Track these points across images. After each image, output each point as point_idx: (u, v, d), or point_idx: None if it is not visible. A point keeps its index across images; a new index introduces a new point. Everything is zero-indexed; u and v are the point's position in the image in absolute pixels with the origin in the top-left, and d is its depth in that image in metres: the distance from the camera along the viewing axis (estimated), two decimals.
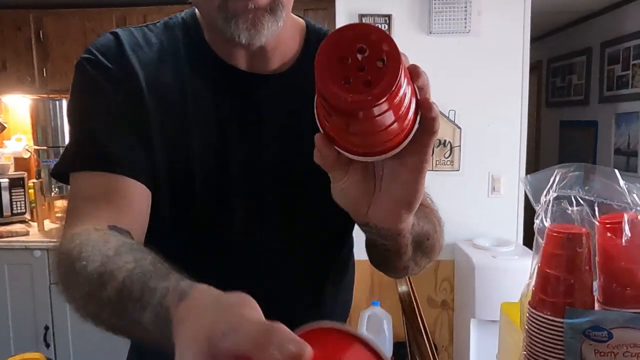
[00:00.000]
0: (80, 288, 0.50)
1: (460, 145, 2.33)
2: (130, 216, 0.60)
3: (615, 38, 3.27)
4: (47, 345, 2.53)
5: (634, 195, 0.70)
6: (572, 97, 3.88)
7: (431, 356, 0.88)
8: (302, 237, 0.73)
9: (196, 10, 0.71)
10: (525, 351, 0.71)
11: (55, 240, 0.61)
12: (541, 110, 4.45)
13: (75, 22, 2.83)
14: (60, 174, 0.66)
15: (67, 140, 0.68)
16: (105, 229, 0.56)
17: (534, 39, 4.39)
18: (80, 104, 0.67)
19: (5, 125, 3.10)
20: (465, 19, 2.20)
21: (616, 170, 0.70)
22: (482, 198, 2.37)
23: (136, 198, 0.62)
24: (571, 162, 0.72)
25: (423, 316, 0.96)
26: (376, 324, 2.25)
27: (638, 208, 0.69)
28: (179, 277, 0.44)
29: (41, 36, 2.84)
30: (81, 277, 0.50)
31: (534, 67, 4.41)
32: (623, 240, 0.66)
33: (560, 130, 4.09)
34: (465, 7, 2.19)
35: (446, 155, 2.32)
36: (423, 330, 0.90)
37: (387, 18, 2.26)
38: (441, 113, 2.30)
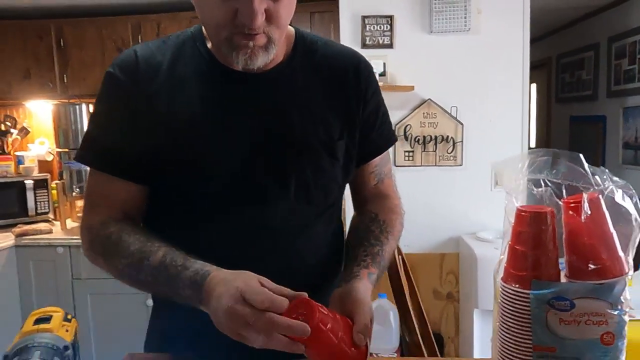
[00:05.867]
0: (123, 260, 0.74)
1: (462, 141, 2.35)
2: (132, 209, 0.82)
3: (621, 33, 3.26)
4: None
5: (597, 177, 0.75)
6: (582, 92, 3.86)
7: (417, 329, 0.92)
8: (293, 214, 0.84)
9: (203, 27, 0.83)
10: (498, 322, 0.76)
11: (78, 229, 0.84)
12: (551, 106, 4.43)
13: (93, 30, 2.93)
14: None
15: None
16: (123, 217, 0.80)
17: (543, 36, 4.38)
18: (99, 109, 0.83)
19: (30, 129, 3.24)
20: (465, 17, 2.24)
21: (581, 155, 0.75)
22: (485, 192, 2.39)
23: (134, 195, 0.82)
24: None
25: (417, 291, 1.01)
26: (382, 315, 2.28)
27: (597, 187, 0.74)
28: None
29: (62, 44, 2.95)
30: (126, 252, 0.74)
31: (544, 64, 4.40)
32: (583, 218, 0.71)
33: (570, 125, 4.08)
34: (465, 6, 2.23)
35: (449, 150, 2.34)
36: (409, 296, 0.95)
37: (389, 19, 2.32)
38: (443, 110, 2.34)
